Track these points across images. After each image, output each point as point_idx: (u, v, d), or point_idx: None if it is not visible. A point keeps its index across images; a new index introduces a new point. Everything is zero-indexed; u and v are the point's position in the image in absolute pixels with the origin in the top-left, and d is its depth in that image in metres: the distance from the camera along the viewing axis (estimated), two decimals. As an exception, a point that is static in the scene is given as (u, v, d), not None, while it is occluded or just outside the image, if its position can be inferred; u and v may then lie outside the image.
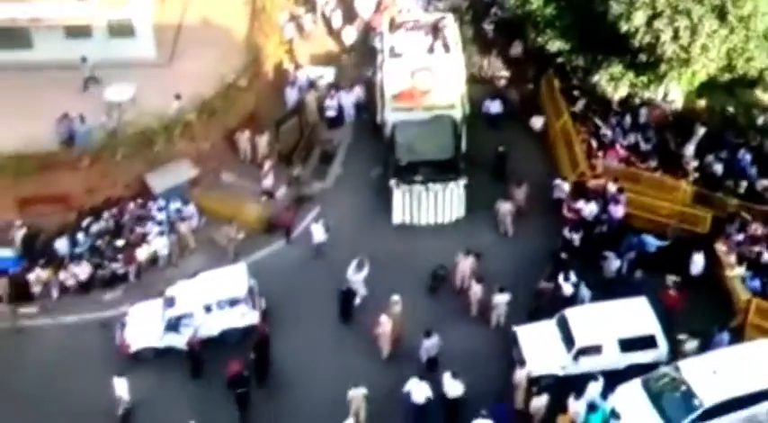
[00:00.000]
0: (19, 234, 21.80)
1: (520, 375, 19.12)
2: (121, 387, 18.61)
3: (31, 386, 19.47)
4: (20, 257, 21.66)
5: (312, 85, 25.89)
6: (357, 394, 18.59)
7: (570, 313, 20.00)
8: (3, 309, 20.90)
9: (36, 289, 21.16)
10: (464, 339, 20.23)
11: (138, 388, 18.86)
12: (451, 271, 21.41)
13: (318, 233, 22.35)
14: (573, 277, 20.71)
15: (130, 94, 23.83)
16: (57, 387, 19.39)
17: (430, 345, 19.67)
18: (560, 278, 20.74)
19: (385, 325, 19.80)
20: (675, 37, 22.10)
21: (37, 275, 21.06)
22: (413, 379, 18.73)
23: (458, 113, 23.53)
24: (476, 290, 20.90)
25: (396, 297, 20.18)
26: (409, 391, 18.70)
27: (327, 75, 26.42)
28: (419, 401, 18.66)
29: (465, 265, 21.30)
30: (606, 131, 24.41)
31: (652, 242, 21.88)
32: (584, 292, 20.75)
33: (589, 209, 22.31)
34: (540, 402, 18.67)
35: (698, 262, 21.18)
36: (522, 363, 19.36)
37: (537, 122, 25.46)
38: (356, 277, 21.11)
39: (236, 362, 18.96)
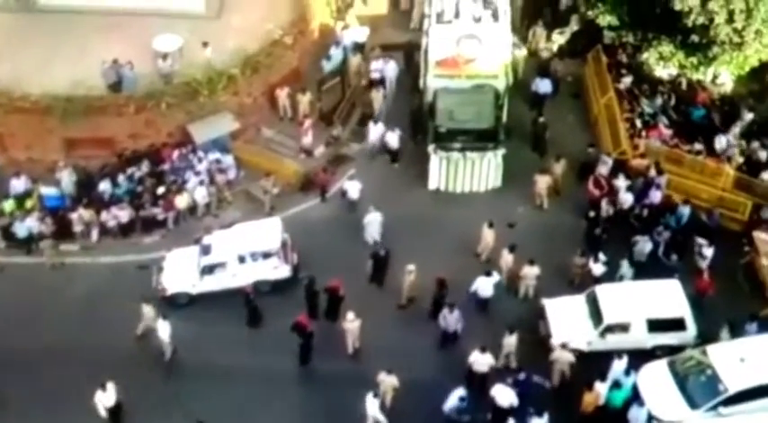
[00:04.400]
0: (64, 174, 22.28)
1: (557, 354, 19.08)
2: (164, 331, 19.18)
3: (67, 320, 20.03)
4: (64, 196, 22.20)
5: (358, 46, 25.84)
6: (387, 380, 18.46)
7: (601, 290, 19.95)
8: (45, 244, 21.46)
9: (78, 228, 21.73)
10: (492, 311, 20.39)
11: (180, 330, 19.48)
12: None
13: (353, 192, 22.55)
14: (602, 257, 20.62)
15: (178, 44, 24.04)
16: (91, 323, 19.95)
17: (452, 318, 19.69)
18: (590, 258, 20.68)
19: (351, 323, 19.60)
20: (730, 20, 21.56)
21: (79, 215, 21.61)
22: (475, 351, 18.71)
23: (501, 84, 23.30)
24: (507, 259, 20.91)
25: (410, 267, 20.27)
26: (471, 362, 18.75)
27: (360, 35, 26.20)
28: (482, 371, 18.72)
29: (488, 235, 21.31)
30: (651, 111, 24.02)
31: (686, 212, 21.66)
32: (626, 270, 20.65)
33: (624, 196, 21.99)
34: (564, 356, 18.82)
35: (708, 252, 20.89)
36: (550, 338, 19.39)
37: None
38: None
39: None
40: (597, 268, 20.67)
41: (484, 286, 20.32)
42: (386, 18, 27.43)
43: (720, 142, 22.99)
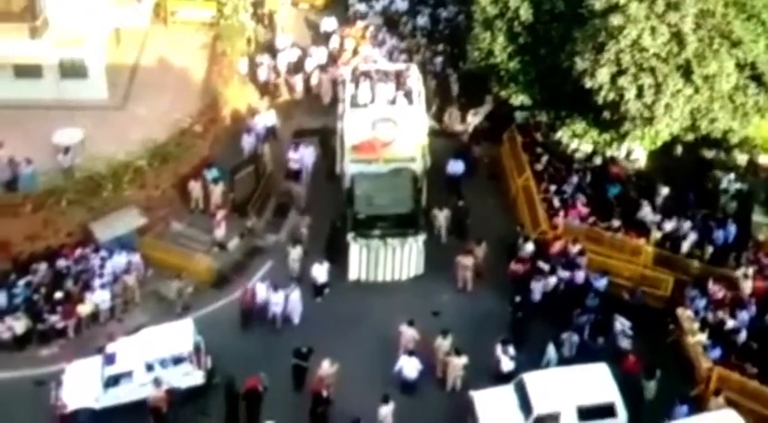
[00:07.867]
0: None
1: None
2: None
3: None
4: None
5: (270, 132, 25.21)
6: None
7: (529, 378, 19.29)
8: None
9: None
10: (419, 406, 19.41)
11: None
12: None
13: (262, 292, 21.24)
14: (512, 351, 19.94)
15: (79, 137, 22.97)
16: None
17: (386, 412, 18.73)
18: (499, 351, 20.01)
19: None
20: (639, 95, 21.64)
21: (-29, 328, 19.91)
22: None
23: (418, 166, 22.96)
24: (443, 345, 19.98)
25: (326, 364, 19.21)
26: None
27: (272, 119, 25.70)
28: None
29: (408, 333, 20.40)
30: (568, 189, 23.99)
31: (603, 284, 21.46)
32: (552, 355, 20.14)
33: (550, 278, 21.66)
34: None
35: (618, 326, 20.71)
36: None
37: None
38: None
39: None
40: (506, 364, 19.92)
41: (408, 367, 19.57)
42: (300, 103, 27.05)
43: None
